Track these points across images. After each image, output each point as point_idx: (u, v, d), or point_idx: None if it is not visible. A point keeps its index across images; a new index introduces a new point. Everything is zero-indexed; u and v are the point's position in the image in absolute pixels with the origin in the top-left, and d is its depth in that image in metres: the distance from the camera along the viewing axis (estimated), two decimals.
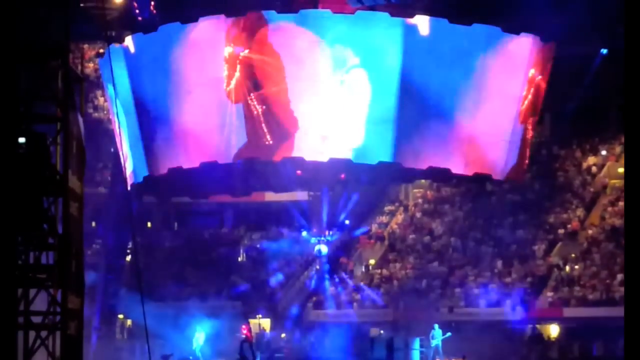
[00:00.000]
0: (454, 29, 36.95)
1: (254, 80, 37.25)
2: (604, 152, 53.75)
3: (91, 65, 48.03)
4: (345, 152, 37.87)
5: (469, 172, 39.00)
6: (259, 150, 37.77)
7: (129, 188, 41.30)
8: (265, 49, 37.06)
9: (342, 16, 37.95)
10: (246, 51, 37.20)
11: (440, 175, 42.35)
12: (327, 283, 49.78)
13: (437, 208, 54.17)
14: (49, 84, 20.08)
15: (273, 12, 37.34)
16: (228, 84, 37.34)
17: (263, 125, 37.19)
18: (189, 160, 38.38)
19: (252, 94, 37.21)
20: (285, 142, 37.62)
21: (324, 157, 38.20)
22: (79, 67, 22.79)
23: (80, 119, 20.38)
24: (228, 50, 37.27)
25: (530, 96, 38.41)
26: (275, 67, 37.07)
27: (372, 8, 39.41)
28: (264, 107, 37.17)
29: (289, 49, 37.10)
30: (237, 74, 37.19)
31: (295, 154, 37.83)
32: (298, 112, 37.34)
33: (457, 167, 38.46)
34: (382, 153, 37.63)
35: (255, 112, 37.17)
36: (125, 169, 40.58)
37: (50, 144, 19.74)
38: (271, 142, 37.36)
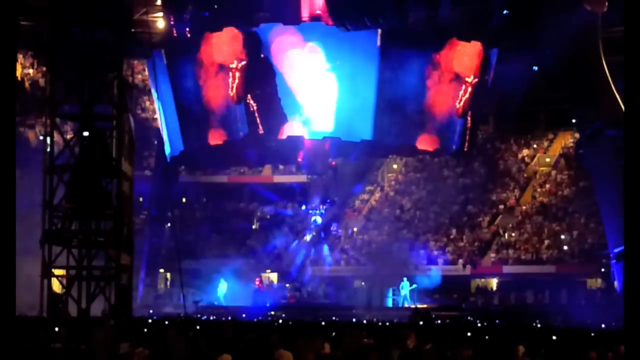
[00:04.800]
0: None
1: (251, 85, 36.81)
2: (535, 146, 53.77)
3: (139, 76, 47.76)
4: (334, 133, 37.74)
5: (430, 148, 38.81)
6: (255, 138, 37.51)
7: (168, 160, 40.71)
8: (258, 60, 36.50)
9: (330, 27, 36.92)
10: (243, 62, 36.64)
11: (409, 151, 42.15)
12: (320, 245, 49.77)
13: (406, 188, 54.11)
14: (106, 91, 20.12)
15: (264, 26, 36.47)
16: (232, 89, 36.94)
17: (257, 119, 36.91)
18: (214, 139, 37.93)
19: (249, 95, 36.90)
20: (277, 131, 37.46)
21: (316, 136, 38.11)
22: (130, 78, 22.81)
23: (131, 118, 20.44)
24: (232, 62, 36.67)
25: (467, 95, 37.68)
26: (266, 74, 36.65)
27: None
28: (258, 104, 36.90)
29: (278, 58, 36.58)
30: (237, 81, 36.79)
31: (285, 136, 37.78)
32: (287, 107, 37.10)
33: (421, 145, 38.28)
34: (364, 133, 37.43)
35: (252, 109, 36.86)
36: (165, 147, 40.16)
37: (108, 137, 19.78)
38: (263, 132, 37.07)
